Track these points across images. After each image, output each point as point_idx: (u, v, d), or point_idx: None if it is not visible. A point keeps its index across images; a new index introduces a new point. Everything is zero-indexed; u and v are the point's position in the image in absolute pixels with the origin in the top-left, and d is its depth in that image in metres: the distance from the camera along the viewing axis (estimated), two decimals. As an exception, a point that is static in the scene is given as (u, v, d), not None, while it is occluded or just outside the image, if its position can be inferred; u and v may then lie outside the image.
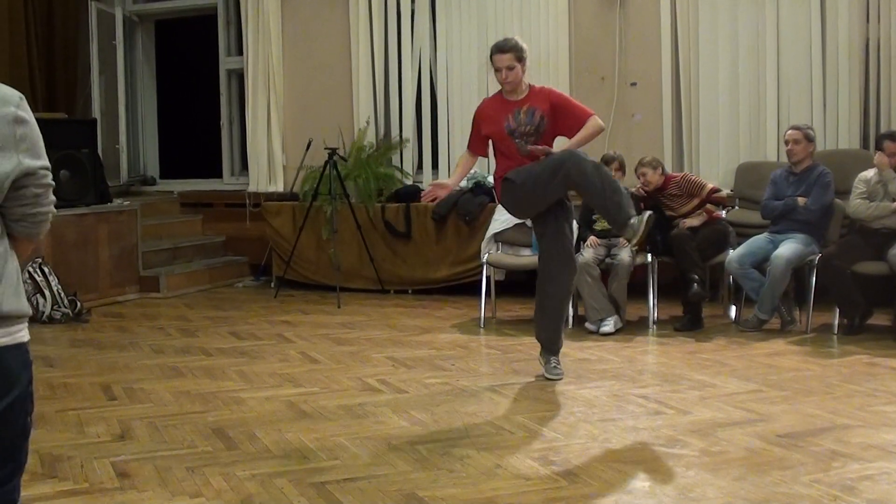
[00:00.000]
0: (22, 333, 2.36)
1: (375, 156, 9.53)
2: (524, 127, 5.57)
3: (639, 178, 7.44)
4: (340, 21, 9.88)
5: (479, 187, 8.75)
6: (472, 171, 8.63)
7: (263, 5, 10.06)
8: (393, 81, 9.76)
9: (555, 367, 5.74)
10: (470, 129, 5.88)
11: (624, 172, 7.49)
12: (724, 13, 8.43)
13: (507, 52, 5.54)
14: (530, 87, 5.68)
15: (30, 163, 2.34)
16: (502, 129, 5.61)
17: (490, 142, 5.79)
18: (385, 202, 9.18)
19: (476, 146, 5.87)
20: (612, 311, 7.08)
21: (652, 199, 7.51)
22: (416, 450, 4.43)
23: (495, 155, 5.85)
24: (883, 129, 7.57)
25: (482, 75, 9.31)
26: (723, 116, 8.51)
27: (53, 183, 2.43)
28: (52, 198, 2.43)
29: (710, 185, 7.49)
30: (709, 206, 7.35)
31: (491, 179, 8.71)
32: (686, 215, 7.36)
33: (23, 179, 2.34)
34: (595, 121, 5.60)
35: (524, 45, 5.63)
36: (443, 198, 5.95)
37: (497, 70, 5.59)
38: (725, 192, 7.83)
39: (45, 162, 2.39)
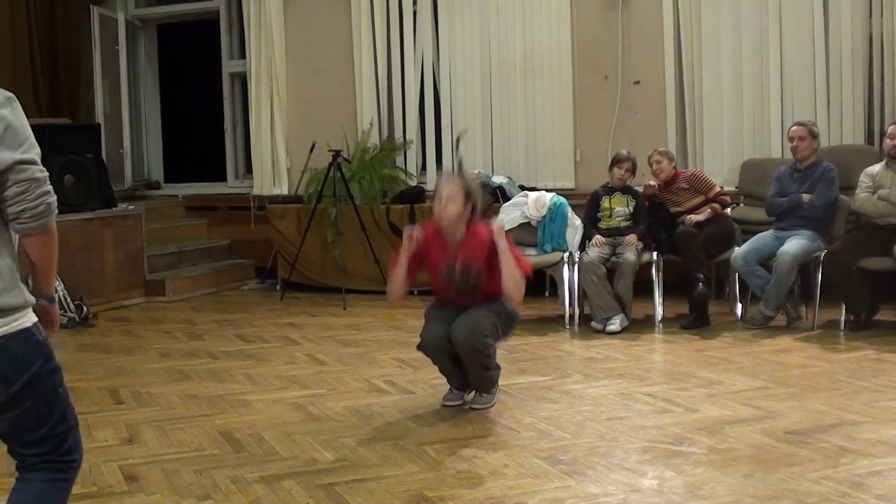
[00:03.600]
0: (23, 320, 2.51)
1: (379, 157, 9.53)
2: (460, 287, 5.04)
3: (651, 167, 7.44)
4: (343, 23, 9.88)
5: (483, 188, 8.75)
6: (476, 171, 8.66)
7: (265, 8, 10.07)
8: (396, 83, 9.75)
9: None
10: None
11: (634, 174, 7.49)
12: (726, 10, 8.42)
13: (456, 181, 4.97)
14: (470, 228, 5.00)
15: (10, 156, 2.40)
16: (441, 274, 5.10)
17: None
18: (389, 203, 9.18)
19: (409, 268, 5.09)
20: (618, 310, 7.07)
21: (658, 197, 7.51)
22: (424, 450, 4.43)
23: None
24: (887, 125, 7.55)
25: (485, 76, 9.32)
26: (726, 113, 8.50)
27: (41, 177, 2.46)
28: (43, 191, 2.46)
29: (718, 188, 7.49)
30: (715, 205, 7.34)
31: (496, 180, 8.75)
32: (690, 210, 7.34)
33: (4, 175, 2.41)
34: (521, 286, 5.00)
35: (478, 190, 5.05)
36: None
37: (438, 199, 4.93)
38: (730, 189, 7.82)
39: (28, 156, 2.43)
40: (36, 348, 2.55)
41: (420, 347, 5.14)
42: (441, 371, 5.22)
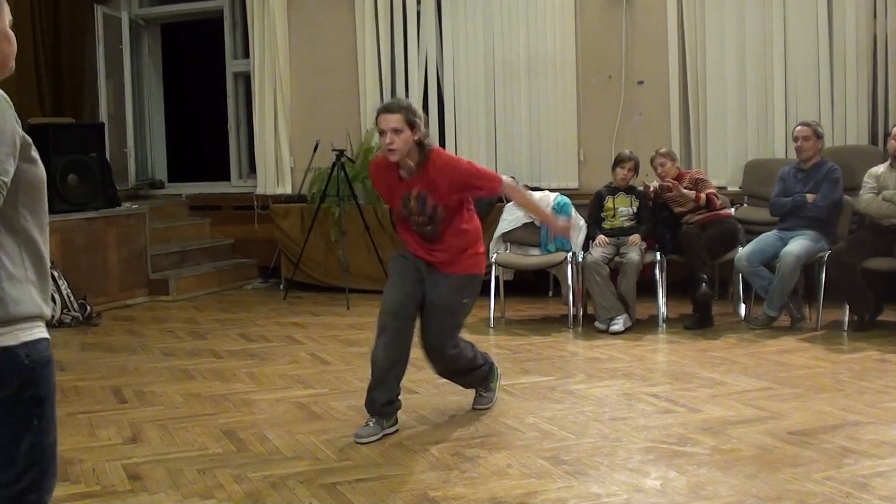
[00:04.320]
0: (5, 338, 2.24)
1: (383, 157, 9.52)
2: (417, 216, 4.75)
3: (655, 170, 7.43)
4: (346, 22, 9.89)
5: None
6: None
7: (269, 7, 10.07)
8: (399, 82, 9.76)
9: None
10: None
11: (637, 174, 7.49)
12: (730, 10, 8.41)
13: (394, 112, 4.60)
14: (425, 160, 4.70)
15: None
16: (399, 209, 4.86)
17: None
18: (393, 203, 9.17)
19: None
20: (621, 310, 7.07)
21: (660, 198, 7.50)
22: (427, 450, 4.43)
23: (394, 217, 5.12)
24: (891, 125, 7.54)
25: (489, 76, 9.32)
26: (730, 114, 8.49)
27: None
28: None
29: (713, 189, 7.45)
30: (701, 195, 7.23)
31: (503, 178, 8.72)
32: (693, 211, 7.33)
33: None
34: (508, 186, 4.96)
35: (418, 110, 4.70)
36: None
37: (381, 133, 4.62)
38: (734, 189, 7.80)
39: None
40: (15, 370, 2.26)
41: (383, 317, 4.83)
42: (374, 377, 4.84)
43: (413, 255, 4.89)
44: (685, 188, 7.37)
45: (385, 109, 4.64)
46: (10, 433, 2.28)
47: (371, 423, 4.72)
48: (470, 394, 5.26)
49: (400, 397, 4.85)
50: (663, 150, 7.56)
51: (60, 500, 3.91)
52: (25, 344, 2.27)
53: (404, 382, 5.71)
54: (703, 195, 7.25)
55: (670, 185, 7.30)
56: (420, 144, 4.68)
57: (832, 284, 6.86)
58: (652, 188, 7.48)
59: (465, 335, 7.01)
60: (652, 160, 7.47)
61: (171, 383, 5.95)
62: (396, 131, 4.58)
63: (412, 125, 4.61)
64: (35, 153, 2.35)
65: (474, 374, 5.09)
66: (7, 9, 2.44)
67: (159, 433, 4.86)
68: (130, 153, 11.13)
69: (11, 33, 2.47)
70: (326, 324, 7.84)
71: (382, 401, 4.76)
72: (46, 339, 2.35)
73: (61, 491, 4.00)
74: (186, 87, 12.01)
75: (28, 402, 2.29)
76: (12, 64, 2.46)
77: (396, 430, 4.77)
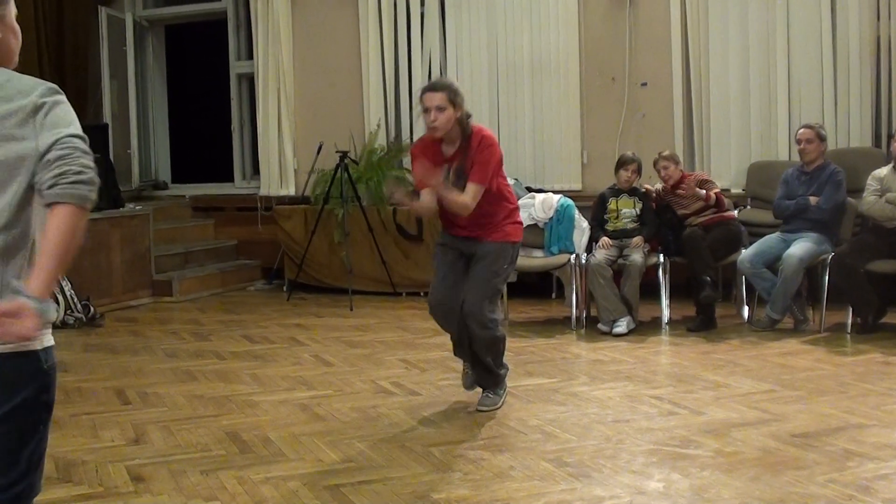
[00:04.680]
0: (30, 342, 2.23)
1: (386, 158, 9.53)
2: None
3: (658, 173, 7.42)
4: (350, 24, 9.89)
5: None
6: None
7: (273, 9, 10.08)
8: (403, 84, 9.76)
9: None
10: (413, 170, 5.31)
11: (640, 175, 7.49)
12: (734, 12, 8.41)
13: (438, 90, 4.88)
14: (468, 136, 4.97)
15: (50, 136, 2.21)
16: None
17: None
18: (396, 205, 9.17)
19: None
20: (624, 312, 7.07)
21: (664, 200, 7.51)
22: (430, 452, 4.43)
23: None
24: (894, 127, 7.55)
25: (492, 77, 9.32)
26: (734, 116, 8.49)
27: (87, 151, 2.23)
28: (88, 161, 2.20)
29: (718, 188, 7.44)
30: (710, 193, 7.23)
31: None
32: (697, 213, 7.33)
33: (47, 153, 2.20)
34: (466, 195, 4.89)
35: (460, 90, 4.98)
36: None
37: (426, 110, 4.88)
38: (737, 191, 7.80)
39: (70, 130, 2.24)
40: (35, 374, 2.29)
41: (430, 312, 5.25)
42: (452, 341, 5.31)
43: (452, 236, 5.16)
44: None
45: (429, 88, 4.94)
46: (18, 437, 2.30)
47: (489, 395, 5.21)
48: (472, 396, 5.26)
49: (499, 369, 5.24)
50: (666, 152, 7.52)
51: (63, 501, 3.93)
52: (45, 349, 2.31)
53: (406, 384, 5.73)
54: (712, 193, 7.25)
55: (684, 187, 7.30)
56: (461, 122, 4.93)
57: (835, 287, 6.85)
58: (654, 190, 7.49)
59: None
60: (655, 163, 7.45)
61: (174, 384, 5.96)
62: (440, 109, 4.84)
63: (454, 104, 4.87)
64: None
65: (495, 371, 5.22)
66: (13, 2, 2.45)
67: (162, 434, 4.86)
68: (134, 154, 11.14)
69: (18, 27, 2.48)
70: (330, 325, 7.84)
71: (485, 377, 5.22)
72: (54, 345, 2.37)
73: (64, 492, 4.02)
74: (190, 88, 12.02)
75: (41, 408, 2.33)
76: (16, 58, 2.48)
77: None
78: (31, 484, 2.35)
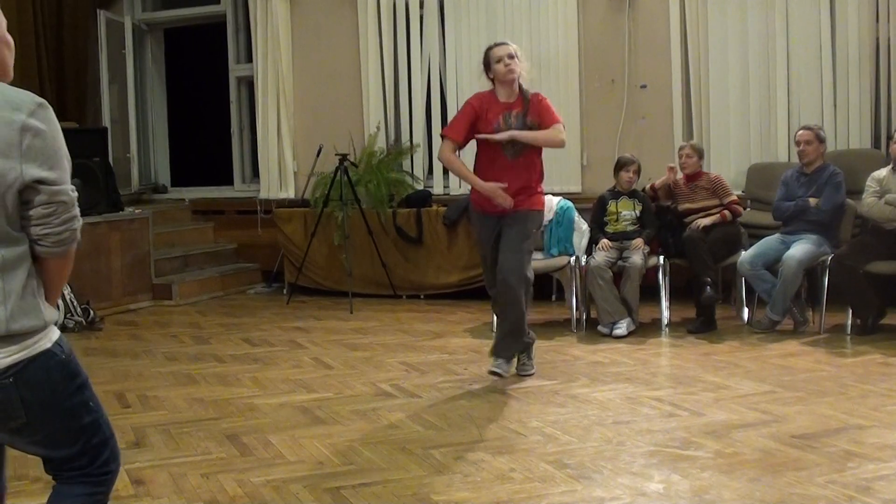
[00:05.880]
0: (42, 342, 2.38)
1: (386, 161, 9.53)
2: (511, 152, 5.61)
3: (682, 158, 7.45)
4: (350, 26, 9.90)
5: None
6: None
7: (272, 12, 10.08)
8: (403, 86, 9.76)
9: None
10: (456, 116, 5.81)
11: (639, 176, 7.50)
12: (733, 14, 8.41)
13: (508, 44, 5.64)
14: (523, 91, 5.65)
15: (35, 173, 2.28)
16: (491, 130, 5.57)
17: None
18: (396, 207, 9.19)
19: (461, 133, 5.65)
20: (624, 314, 7.07)
21: (671, 193, 7.52)
22: (431, 454, 4.43)
23: (477, 157, 5.78)
24: (894, 129, 7.55)
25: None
26: (733, 118, 8.49)
27: (68, 200, 2.35)
28: (70, 216, 2.36)
29: (735, 196, 7.47)
30: (725, 212, 7.31)
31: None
32: (702, 210, 7.34)
33: (29, 192, 2.29)
34: (557, 130, 5.59)
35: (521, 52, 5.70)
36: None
37: (498, 60, 5.57)
38: (737, 193, 7.82)
39: (59, 175, 2.33)
40: (58, 368, 2.41)
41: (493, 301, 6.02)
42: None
43: (485, 214, 5.69)
44: (701, 187, 7.39)
45: (499, 43, 5.68)
46: (75, 422, 2.47)
47: (526, 361, 5.97)
48: (472, 396, 5.26)
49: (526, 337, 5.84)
50: (693, 142, 7.71)
51: (64, 504, 3.92)
52: (57, 342, 2.43)
53: (408, 386, 5.74)
54: (727, 213, 7.28)
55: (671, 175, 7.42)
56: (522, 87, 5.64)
57: (835, 288, 6.86)
58: (666, 179, 7.54)
59: (474, 339, 7.03)
60: (680, 149, 7.53)
61: (174, 388, 5.96)
62: (512, 57, 5.54)
63: (520, 58, 5.59)
64: None
65: (525, 335, 5.81)
66: (1, 14, 2.45)
67: (163, 438, 4.87)
68: (133, 158, 11.14)
69: (10, 38, 2.48)
70: (330, 328, 7.85)
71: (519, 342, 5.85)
72: (61, 334, 2.50)
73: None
74: (190, 91, 12.02)
75: (77, 392, 2.47)
76: (11, 71, 2.49)
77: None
78: (112, 452, 2.59)
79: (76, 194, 2.40)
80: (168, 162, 11.76)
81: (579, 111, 8.99)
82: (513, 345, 5.81)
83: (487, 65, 5.68)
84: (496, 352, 5.80)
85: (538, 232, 5.84)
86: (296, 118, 10.24)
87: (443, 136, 5.79)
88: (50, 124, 2.33)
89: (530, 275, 5.64)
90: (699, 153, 7.52)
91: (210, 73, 11.45)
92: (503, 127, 5.55)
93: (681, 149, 7.55)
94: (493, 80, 5.69)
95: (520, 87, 5.62)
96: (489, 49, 5.66)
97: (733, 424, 4.74)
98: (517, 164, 5.58)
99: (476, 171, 5.68)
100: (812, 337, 6.83)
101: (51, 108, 2.37)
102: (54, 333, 2.43)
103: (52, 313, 2.43)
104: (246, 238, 10.54)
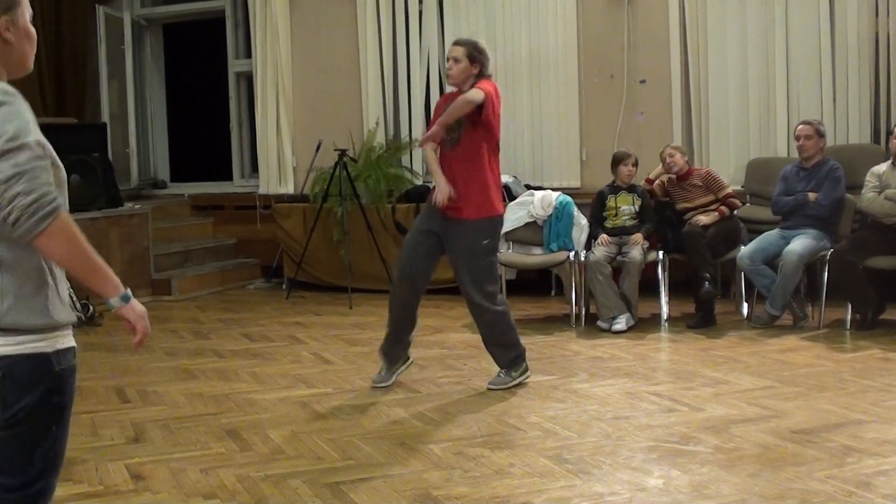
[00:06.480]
0: (40, 344, 2.27)
1: (385, 157, 9.53)
2: (449, 141, 5.43)
3: (666, 160, 7.45)
4: (349, 22, 9.89)
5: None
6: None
7: (271, 7, 10.07)
8: (402, 82, 9.76)
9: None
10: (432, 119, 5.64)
11: (637, 168, 7.50)
12: (732, 9, 8.41)
13: (461, 45, 5.41)
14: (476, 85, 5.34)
15: None
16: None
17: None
18: (395, 203, 9.18)
19: None
20: (623, 309, 7.06)
21: (667, 193, 7.53)
22: (430, 449, 4.43)
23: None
24: (893, 124, 7.54)
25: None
26: (732, 113, 8.49)
27: (20, 173, 2.15)
28: (24, 189, 2.15)
29: (729, 189, 7.47)
30: (723, 208, 7.31)
31: (502, 178, 8.73)
32: (700, 207, 7.34)
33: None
34: (464, 95, 5.27)
35: (485, 51, 5.42)
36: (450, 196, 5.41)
37: (447, 59, 5.51)
38: (736, 188, 7.82)
39: (9, 141, 2.15)
40: (45, 377, 2.28)
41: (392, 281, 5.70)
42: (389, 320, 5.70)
43: (432, 207, 5.41)
44: (694, 184, 7.39)
45: (454, 42, 5.50)
46: (30, 439, 2.31)
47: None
48: (474, 395, 5.26)
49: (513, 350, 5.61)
50: (674, 143, 7.66)
51: (63, 500, 3.92)
52: (58, 352, 2.32)
53: (407, 381, 5.74)
54: (725, 209, 7.28)
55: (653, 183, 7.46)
56: (479, 77, 5.36)
57: (834, 283, 6.86)
58: (658, 179, 7.54)
59: (473, 334, 7.01)
60: (662, 153, 7.50)
61: (173, 383, 5.96)
62: (456, 60, 5.34)
63: (472, 59, 5.34)
64: (54, 153, 2.33)
65: (508, 351, 5.55)
66: (27, 4, 2.37)
67: (162, 433, 4.87)
68: (133, 153, 11.14)
69: (33, 31, 2.38)
70: (329, 323, 7.84)
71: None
72: (74, 347, 2.40)
73: (63, 491, 4.01)
74: (189, 86, 12.01)
75: (51, 410, 2.33)
76: (31, 64, 2.42)
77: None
78: (46, 484, 2.37)
79: (38, 164, 2.21)
80: (167, 157, 11.76)
81: (578, 106, 8.99)
82: (501, 356, 5.58)
83: None
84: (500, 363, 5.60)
85: (496, 238, 5.52)
86: (295, 113, 10.23)
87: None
88: (14, 107, 2.22)
89: (493, 287, 5.45)
90: (682, 151, 7.54)
91: (209, 69, 11.44)
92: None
93: (662, 153, 7.52)
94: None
95: (473, 83, 5.35)
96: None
97: (732, 419, 4.74)
98: (458, 154, 5.36)
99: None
100: (811, 332, 6.83)
101: (15, 96, 2.25)
102: (62, 343, 2.34)
103: (61, 313, 2.33)
104: (245, 233, 10.53)
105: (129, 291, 2.48)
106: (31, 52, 2.40)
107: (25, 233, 2.18)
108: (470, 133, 5.32)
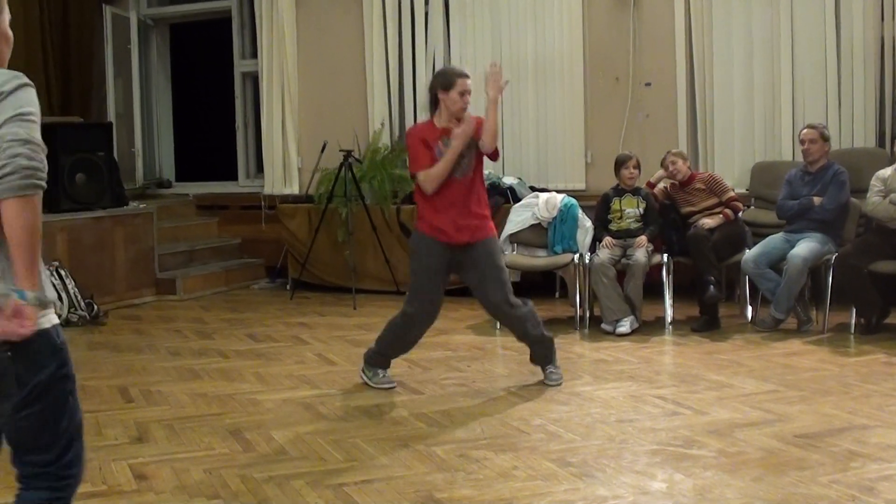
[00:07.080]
0: (41, 321, 2.40)
1: (390, 157, 9.53)
2: (461, 170, 5.42)
3: (668, 167, 7.45)
4: (355, 23, 9.90)
5: (493, 188, 8.73)
6: (486, 172, 8.65)
7: (278, 8, 10.08)
8: (407, 83, 9.76)
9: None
10: (411, 153, 5.50)
11: (640, 171, 7.50)
12: (738, 12, 8.40)
13: (469, 77, 5.44)
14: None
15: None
16: (434, 155, 5.37)
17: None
18: (400, 204, 9.18)
19: (428, 159, 5.37)
20: (628, 312, 7.06)
21: (670, 198, 7.52)
22: (433, 451, 4.43)
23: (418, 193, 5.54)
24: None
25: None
26: (738, 116, 8.48)
27: (30, 141, 2.28)
28: (16, 152, 2.26)
29: (732, 192, 7.47)
30: (727, 210, 7.31)
31: (506, 180, 8.76)
32: (704, 210, 7.34)
33: None
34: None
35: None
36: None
37: (462, 93, 5.37)
38: (741, 191, 7.82)
39: (13, 115, 2.28)
40: (52, 352, 2.47)
41: (412, 320, 5.61)
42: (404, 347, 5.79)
43: (437, 242, 5.43)
44: (697, 189, 7.39)
45: (464, 73, 5.46)
46: (51, 413, 2.49)
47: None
48: (477, 397, 5.26)
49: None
50: (675, 150, 7.64)
51: (67, 499, 3.92)
52: (55, 326, 2.49)
53: (409, 383, 5.74)
54: (729, 212, 7.28)
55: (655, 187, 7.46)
56: None
57: (839, 287, 6.85)
58: (660, 184, 7.53)
59: (476, 336, 7.02)
60: (663, 160, 7.49)
61: (177, 383, 5.96)
62: (469, 93, 5.44)
63: None
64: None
65: (547, 343, 5.67)
66: (6, 8, 2.47)
67: (166, 433, 4.87)
68: (138, 152, 11.16)
69: (10, 34, 2.51)
70: (333, 324, 7.85)
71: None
72: (59, 323, 2.55)
73: (68, 490, 4.01)
74: (194, 86, 12.03)
75: (63, 380, 2.52)
76: (4, 66, 2.51)
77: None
78: (77, 451, 2.59)
79: (33, 145, 2.30)
80: (172, 157, 11.78)
81: (584, 109, 8.99)
82: (545, 352, 5.72)
83: (445, 86, 5.40)
84: (542, 361, 5.75)
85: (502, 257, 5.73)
86: (300, 114, 10.24)
87: (414, 175, 5.45)
88: (21, 88, 2.35)
89: (512, 297, 5.55)
90: (683, 157, 7.54)
91: (215, 69, 11.46)
92: (444, 151, 5.35)
93: (664, 160, 7.52)
94: (436, 101, 5.48)
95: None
96: (456, 75, 5.42)
97: (736, 423, 4.74)
98: (466, 181, 5.40)
99: (426, 205, 5.44)
100: (816, 336, 6.82)
101: (28, 83, 2.38)
102: (55, 318, 2.49)
103: (51, 290, 2.48)
104: (250, 233, 10.54)
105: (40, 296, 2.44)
106: (7, 54, 2.52)
107: (8, 189, 2.26)
108: (477, 157, 5.49)
